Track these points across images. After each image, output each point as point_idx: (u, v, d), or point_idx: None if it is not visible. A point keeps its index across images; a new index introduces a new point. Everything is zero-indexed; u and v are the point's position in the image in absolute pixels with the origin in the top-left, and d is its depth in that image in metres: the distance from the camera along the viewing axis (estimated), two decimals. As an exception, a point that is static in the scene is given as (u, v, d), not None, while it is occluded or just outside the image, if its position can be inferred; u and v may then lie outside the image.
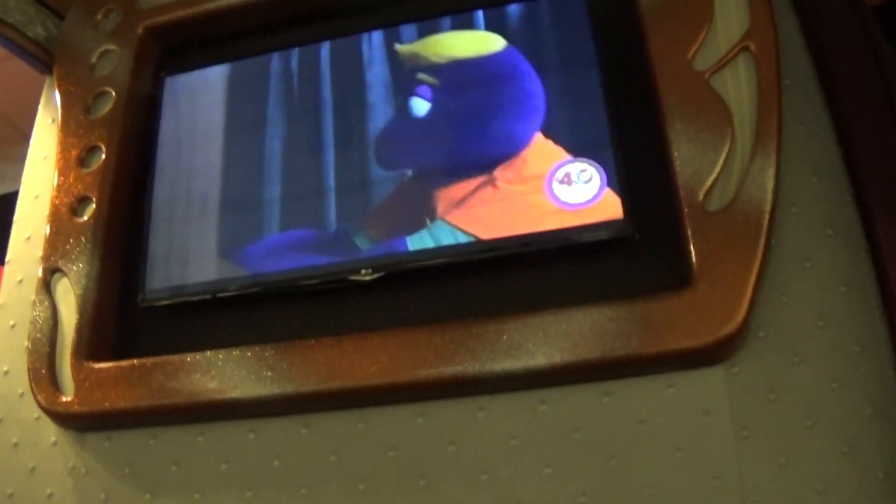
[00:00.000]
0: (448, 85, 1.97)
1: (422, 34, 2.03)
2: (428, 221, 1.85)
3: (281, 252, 1.92)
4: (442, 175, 1.89)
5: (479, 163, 1.87)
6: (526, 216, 1.80)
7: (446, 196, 1.86)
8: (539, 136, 1.86)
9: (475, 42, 1.99)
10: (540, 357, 1.63)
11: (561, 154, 1.83)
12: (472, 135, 1.91)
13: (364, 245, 1.88)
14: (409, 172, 1.93)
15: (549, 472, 1.63)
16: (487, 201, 1.83)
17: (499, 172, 1.85)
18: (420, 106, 1.97)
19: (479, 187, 1.85)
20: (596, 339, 1.62)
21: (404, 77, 2.01)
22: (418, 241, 1.84)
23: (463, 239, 1.82)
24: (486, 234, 1.81)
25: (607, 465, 1.61)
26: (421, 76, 1.99)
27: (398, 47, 2.03)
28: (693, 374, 1.62)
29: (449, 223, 1.84)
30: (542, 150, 1.85)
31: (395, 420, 1.73)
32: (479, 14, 2.00)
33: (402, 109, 1.99)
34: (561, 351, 1.63)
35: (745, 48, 1.75)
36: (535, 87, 1.90)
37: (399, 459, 1.71)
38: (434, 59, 1.99)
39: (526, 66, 1.93)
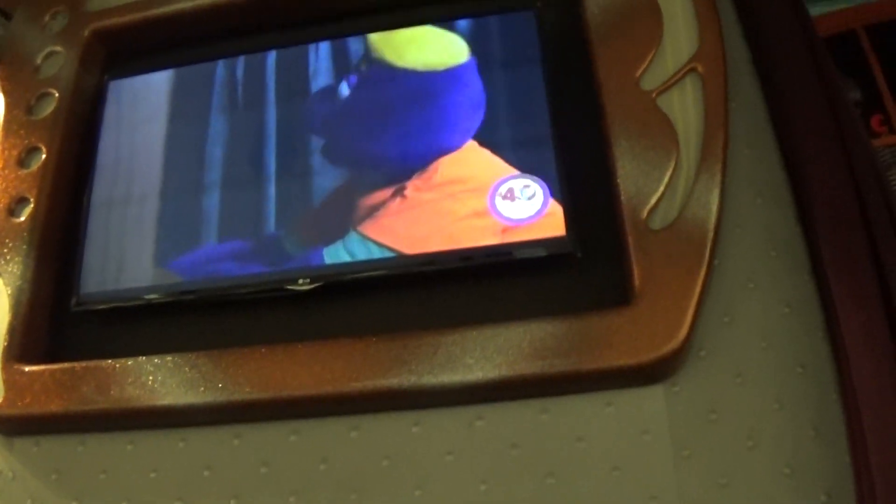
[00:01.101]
0: (401, 93, 1.97)
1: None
2: (344, 232, 1.85)
3: (217, 260, 1.90)
4: (363, 186, 1.89)
5: (394, 173, 1.87)
6: (435, 225, 1.80)
7: (363, 206, 1.86)
8: (472, 145, 1.86)
9: (442, 51, 1.98)
10: (477, 371, 1.61)
11: (500, 165, 1.82)
12: (394, 144, 1.91)
13: (294, 251, 1.87)
14: (341, 181, 1.91)
15: (484, 488, 1.61)
16: (396, 212, 1.83)
17: (410, 182, 1.85)
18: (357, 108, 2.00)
19: (390, 197, 1.85)
20: (535, 355, 1.60)
21: (345, 75, 2.02)
22: (334, 254, 1.84)
23: (376, 250, 1.81)
24: (401, 245, 1.81)
25: (544, 483, 1.59)
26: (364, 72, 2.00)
27: (370, 37, 2.02)
28: (633, 393, 1.61)
29: (361, 234, 1.83)
30: (471, 159, 1.85)
31: (328, 433, 1.70)
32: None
33: (341, 111, 2.00)
34: (499, 366, 1.61)
35: (693, 69, 1.76)
36: (478, 101, 1.90)
37: (331, 473, 1.67)
38: (398, 62, 1.99)
39: (476, 81, 1.92)
